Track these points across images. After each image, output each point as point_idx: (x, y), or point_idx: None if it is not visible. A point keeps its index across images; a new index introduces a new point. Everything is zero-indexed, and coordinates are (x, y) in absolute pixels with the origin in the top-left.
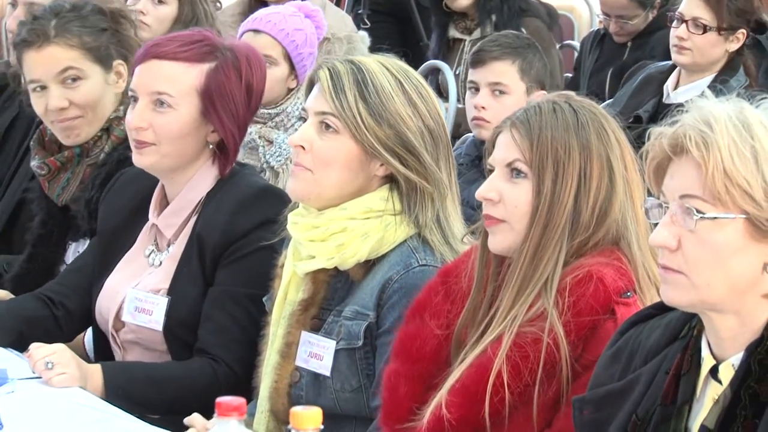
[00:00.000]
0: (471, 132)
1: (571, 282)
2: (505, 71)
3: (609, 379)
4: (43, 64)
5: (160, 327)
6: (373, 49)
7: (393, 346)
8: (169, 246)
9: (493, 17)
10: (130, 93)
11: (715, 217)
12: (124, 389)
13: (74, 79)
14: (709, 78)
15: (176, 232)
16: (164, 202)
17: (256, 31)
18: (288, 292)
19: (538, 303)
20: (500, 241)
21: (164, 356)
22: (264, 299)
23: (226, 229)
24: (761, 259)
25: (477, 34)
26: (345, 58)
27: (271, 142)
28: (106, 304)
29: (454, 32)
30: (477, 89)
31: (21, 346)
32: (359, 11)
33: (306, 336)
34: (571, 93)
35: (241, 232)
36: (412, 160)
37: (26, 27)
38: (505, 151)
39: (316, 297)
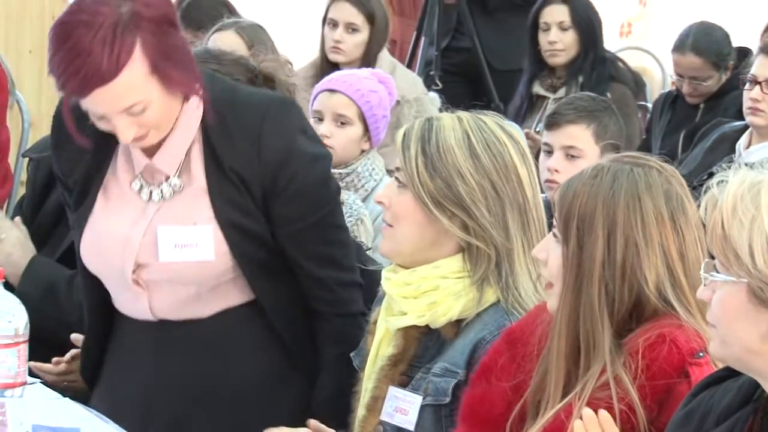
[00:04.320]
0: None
1: (644, 345)
2: (580, 135)
3: None
4: None
5: (211, 256)
6: (445, 110)
7: (460, 410)
8: (168, 180)
9: (580, 79)
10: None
11: (721, 279)
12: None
13: None
14: None
15: (178, 166)
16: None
17: (331, 90)
18: (380, 347)
19: (609, 370)
20: (550, 302)
21: (201, 290)
22: (351, 355)
23: (263, 159)
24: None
25: (561, 93)
26: (420, 118)
27: (341, 203)
28: (112, 245)
29: (538, 88)
30: (551, 151)
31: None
32: (431, 72)
33: (393, 391)
34: (640, 155)
35: (280, 157)
36: (462, 215)
37: None
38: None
39: (406, 353)
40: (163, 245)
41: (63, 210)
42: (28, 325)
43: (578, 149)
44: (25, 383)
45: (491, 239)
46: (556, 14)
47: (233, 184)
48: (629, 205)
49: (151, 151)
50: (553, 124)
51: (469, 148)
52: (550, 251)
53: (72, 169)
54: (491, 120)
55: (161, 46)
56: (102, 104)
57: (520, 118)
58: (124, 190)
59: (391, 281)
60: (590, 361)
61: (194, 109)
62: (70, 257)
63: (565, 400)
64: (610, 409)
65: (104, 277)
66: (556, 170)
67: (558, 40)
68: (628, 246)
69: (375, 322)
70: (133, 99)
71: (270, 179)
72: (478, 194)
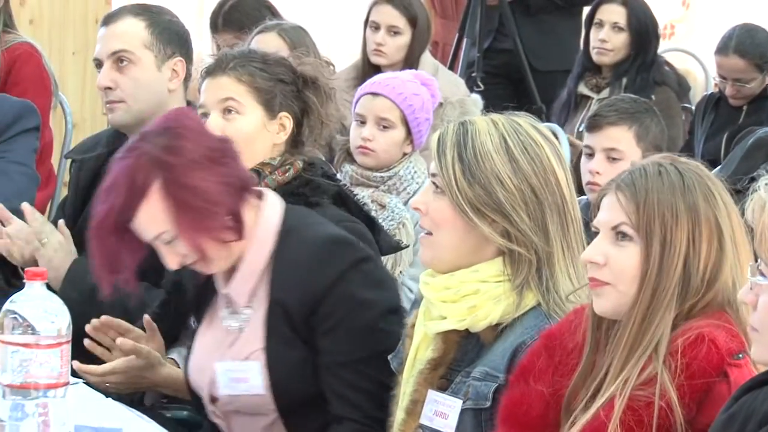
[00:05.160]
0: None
1: (683, 344)
2: (621, 137)
3: None
4: (211, 90)
5: (262, 390)
6: (487, 112)
7: (499, 411)
8: (245, 309)
9: (624, 81)
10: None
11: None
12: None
13: (231, 111)
14: None
15: (249, 297)
16: (230, 269)
17: (374, 94)
18: (418, 351)
19: (650, 367)
20: (604, 303)
21: (271, 420)
22: (389, 357)
23: (305, 291)
24: None
25: (605, 93)
26: (459, 120)
27: (383, 206)
28: (196, 375)
29: (583, 88)
30: (592, 154)
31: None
32: (473, 74)
33: (432, 395)
34: (675, 155)
35: (320, 291)
36: (503, 221)
37: (213, 58)
38: (610, 214)
39: (445, 357)
40: (221, 379)
41: None
42: (71, 326)
43: (620, 151)
44: (67, 383)
45: (532, 244)
46: (612, 14)
47: (281, 316)
48: (707, 197)
49: (227, 278)
50: (594, 126)
51: (507, 153)
52: (610, 255)
53: (188, 282)
54: (525, 121)
55: (181, 192)
56: (139, 231)
57: (564, 117)
58: (217, 319)
59: (429, 285)
60: (639, 355)
61: (266, 238)
62: None
63: (604, 398)
64: (649, 406)
65: None
66: (598, 172)
67: (608, 39)
68: (711, 237)
69: (413, 326)
70: (156, 231)
71: (309, 312)
72: (518, 199)
